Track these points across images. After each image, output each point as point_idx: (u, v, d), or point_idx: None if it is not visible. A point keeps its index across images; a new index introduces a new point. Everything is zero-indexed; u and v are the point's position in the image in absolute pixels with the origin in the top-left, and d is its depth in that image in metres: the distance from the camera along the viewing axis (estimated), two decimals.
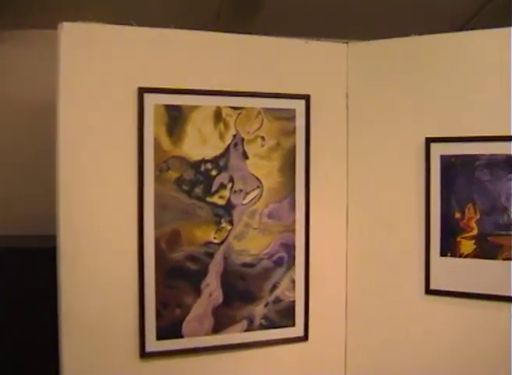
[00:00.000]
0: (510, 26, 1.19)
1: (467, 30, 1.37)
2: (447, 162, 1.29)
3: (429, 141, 1.30)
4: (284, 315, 1.35)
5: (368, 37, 1.30)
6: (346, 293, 1.40)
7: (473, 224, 1.27)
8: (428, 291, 1.32)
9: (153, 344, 1.24)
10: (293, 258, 1.34)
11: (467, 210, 1.28)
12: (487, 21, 1.51)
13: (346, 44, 1.36)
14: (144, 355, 1.23)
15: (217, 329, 1.30)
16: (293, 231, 1.34)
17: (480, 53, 1.29)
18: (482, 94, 1.28)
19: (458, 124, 1.30)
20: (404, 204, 1.35)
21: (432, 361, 1.33)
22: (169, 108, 1.24)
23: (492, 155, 1.26)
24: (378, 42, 1.36)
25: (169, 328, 1.26)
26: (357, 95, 1.38)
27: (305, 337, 1.36)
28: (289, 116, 1.34)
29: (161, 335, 1.25)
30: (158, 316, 1.24)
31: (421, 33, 1.29)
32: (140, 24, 1.19)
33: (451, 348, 1.31)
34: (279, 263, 1.33)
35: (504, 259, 1.25)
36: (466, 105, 1.30)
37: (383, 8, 1.51)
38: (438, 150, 1.30)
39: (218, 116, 1.28)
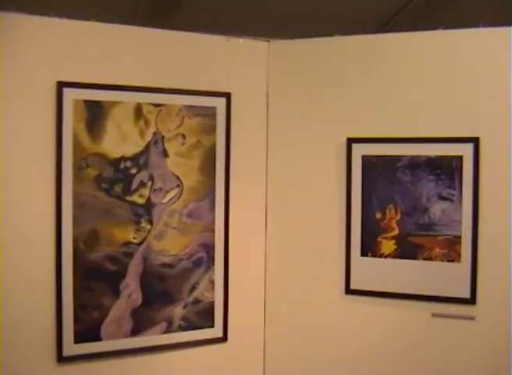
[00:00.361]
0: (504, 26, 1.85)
1: (386, 31, 2.23)
2: (369, 163, 2.05)
3: (351, 141, 2.05)
4: (203, 316, 2.04)
5: (291, 35, 2.14)
6: (265, 294, 2.12)
7: (394, 224, 2.08)
8: (349, 290, 2.04)
9: (71, 348, 1.85)
10: (212, 258, 2.04)
11: (388, 210, 2.08)
12: (406, 23, 2.39)
13: (267, 43, 2.07)
14: (62, 359, 1.79)
15: (136, 331, 1.95)
16: (213, 231, 2.03)
17: (402, 55, 1.98)
18: (404, 96, 1.98)
19: (380, 125, 2.00)
20: (325, 204, 2.06)
21: (351, 360, 2.04)
22: (89, 103, 1.84)
23: (413, 156, 2.03)
24: (300, 41, 2.07)
25: (88, 331, 1.87)
26: (278, 94, 2.09)
27: (224, 338, 2.06)
28: (210, 113, 2.02)
29: (79, 338, 1.85)
30: (76, 318, 1.83)
31: (343, 34, 2.04)
32: (62, 17, 1.73)
33: (370, 346, 2.02)
34: (198, 264, 2.02)
35: (424, 259, 2.01)
36: (388, 107, 1.99)
37: (307, 8, 2.37)
38: (359, 150, 2.05)
39: (138, 112, 1.92)
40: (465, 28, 1.89)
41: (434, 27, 1.93)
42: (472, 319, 1.93)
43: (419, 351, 1.99)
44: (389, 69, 2.01)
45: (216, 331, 2.06)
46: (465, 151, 1.92)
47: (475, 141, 1.89)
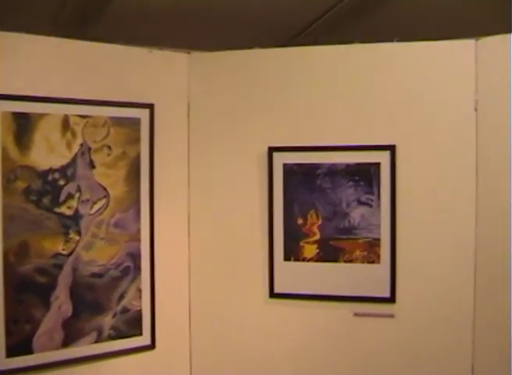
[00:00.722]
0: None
1: (302, 43, 3.70)
2: (290, 171, 3.30)
3: (272, 150, 3.31)
4: (132, 324, 3.16)
5: (214, 47, 3.56)
6: (190, 300, 3.33)
7: (315, 229, 3.44)
8: (273, 294, 3.24)
9: (2, 363, 2.73)
10: (138, 267, 3.16)
11: (309, 216, 3.42)
12: (321, 34, 3.88)
13: (187, 54, 3.24)
14: None
15: (67, 342, 2.98)
16: (139, 240, 3.15)
17: (320, 67, 3.18)
18: (324, 107, 3.16)
19: (301, 134, 3.17)
20: (247, 211, 3.22)
21: (277, 362, 3.22)
22: (17, 115, 2.82)
23: (332, 164, 3.40)
24: (220, 53, 3.23)
25: (19, 345, 2.81)
26: (200, 105, 3.25)
27: (152, 346, 3.22)
28: (135, 124, 3.16)
29: (11, 353, 2.79)
30: (8, 332, 2.77)
31: (263, 46, 3.26)
32: None
33: (296, 348, 3.21)
34: (125, 273, 3.13)
35: (346, 262, 3.29)
36: (308, 117, 3.17)
37: (227, 19, 3.84)
38: (280, 159, 3.31)
39: (65, 124, 2.97)
40: (380, 42, 3.10)
41: (351, 39, 3.11)
42: (392, 316, 3.14)
43: (342, 349, 3.20)
44: (309, 80, 3.21)
45: (144, 339, 3.21)
46: (382, 158, 3.13)
47: (392, 149, 3.10)
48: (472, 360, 3.12)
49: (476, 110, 3.08)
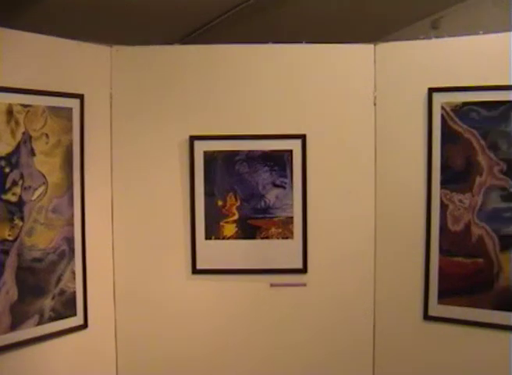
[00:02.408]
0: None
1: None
2: (210, 157, 3.51)
3: (193, 138, 3.43)
4: (67, 306, 3.20)
5: (144, 41, 3.76)
6: (114, 280, 3.46)
7: (234, 210, 3.61)
8: (195, 270, 3.46)
9: None
10: (73, 250, 3.21)
11: (228, 198, 3.58)
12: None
13: (110, 48, 3.35)
14: None
15: (14, 326, 2.97)
16: (72, 225, 3.22)
17: (238, 62, 3.45)
18: (242, 99, 3.41)
19: (221, 124, 3.36)
20: (171, 194, 3.38)
21: (201, 334, 3.47)
22: None
23: (250, 151, 3.54)
24: (142, 48, 3.35)
25: None
26: (123, 96, 3.36)
27: (85, 325, 3.31)
28: (68, 114, 3.20)
29: None
30: None
31: (184, 42, 3.71)
32: None
33: (218, 319, 3.48)
34: (62, 256, 3.16)
35: (262, 238, 3.46)
36: (227, 108, 3.43)
37: (146, 16, 4.04)
38: (201, 147, 3.53)
39: (9, 113, 2.95)
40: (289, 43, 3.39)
41: (253, 35, 3.42)
42: (304, 285, 3.45)
43: (261, 317, 3.45)
44: (227, 75, 3.42)
45: (78, 319, 3.29)
46: (294, 146, 3.42)
47: (303, 138, 3.39)
48: (374, 318, 3.58)
49: (375, 104, 3.47)
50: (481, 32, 3.20)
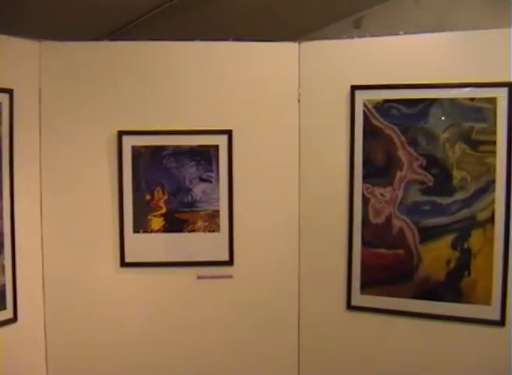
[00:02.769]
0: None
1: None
2: (138, 152, 3.63)
3: (121, 133, 3.48)
4: None
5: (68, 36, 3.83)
6: (43, 273, 3.46)
7: (162, 204, 3.72)
8: (123, 263, 3.53)
9: None
10: (2, 244, 3.20)
11: (156, 192, 3.67)
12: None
13: (39, 43, 3.34)
14: None
15: None
16: (2, 218, 3.21)
17: (166, 59, 3.51)
18: (169, 95, 3.46)
19: (148, 119, 3.40)
20: (99, 189, 3.39)
21: (129, 326, 3.52)
22: None
23: (177, 146, 3.66)
24: (70, 44, 3.38)
25: None
26: (52, 91, 3.36)
27: (14, 319, 3.31)
28: None
29: None
30: None
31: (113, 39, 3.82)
32: None
33: (146, 310, 3.56)
34: None
35: (189, 231, 3.52)
36: (155, 103, 3.46)
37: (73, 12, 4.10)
38: (129, 142, 3.64)
39: None
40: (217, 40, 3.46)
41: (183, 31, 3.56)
42: (231, 277, 3.51)
43: (189, 309, 3.51)
44: (156, 70, 3.47)
45: (8, 313, 3.31)
46: (221, 141, 3.47)
47: (229, 133, 3.45)
48: (299, 309, 3.69)
49: (299, 101, 3.55)
50: (401, 32, 3.32)
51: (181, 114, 3.52)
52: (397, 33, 3.31)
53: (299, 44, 3.45)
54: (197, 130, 3.51)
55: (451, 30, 3.24)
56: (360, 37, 3.37)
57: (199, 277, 3.57)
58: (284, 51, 3.52)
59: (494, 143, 3.19)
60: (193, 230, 3.58)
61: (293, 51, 3.51)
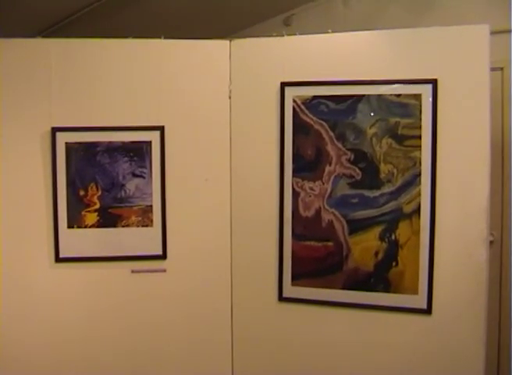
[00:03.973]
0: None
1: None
2: (72, 148, 3.57)
3: (55, 130, 3.30)
4: None
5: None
6: None
7: (96, 200, 3.69)
8: (58, 259, 3.39)
9: None
10: None
11: (90, 188, 3.65)
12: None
13: None
14: None
15: None
16: None
17: (100, 55, 3.40)
18: (102, 92, 3.37)
19: (82, 116, 3.30)
20: (34, 185, 3.28)
21: (66, 320, 3.41)
22: None
23: (110, 142, 3.67)
24: (2, 40, 3.26)
25: None
26: None
27: None
28: None
29: None
30: None
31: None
32: None
33: (82, 305, 3.43)
34: None
35: (123, 226, 3.48)
36: (88, 100, 3.36)
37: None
38: (63, 138, 3.65)
39: None
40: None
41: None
42: (164, 271, 3.44)
43: (124, 303, 3.44)
44: (89, 67, 3.38)
45: None
46: (153, 137, 3.37)
47: (161, 129, 3.36)
48: (231, 301, 3.64)
49: (230, 98, 3.49)
50: (330, 31, 3.32)
51: (114, 111, 3.44)
52: (326, 32, 3.30)
53: (230, 41, 3.40)
54: (129, 126, 3.44)
55: (379, 28, 3.24)
56: (290, 34, 3.36)
57: (133, 271, 3.50)
58: (215, 49, 3.47)
59: (419, 137, 3.20)
60: (126, 225, 3.49)
61: (224, 48, 3.45)
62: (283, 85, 3.36)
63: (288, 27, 3.98)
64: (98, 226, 3.48)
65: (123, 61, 3.45)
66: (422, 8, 3.75)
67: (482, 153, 3.13)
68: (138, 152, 3.46)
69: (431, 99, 3.17)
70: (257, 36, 3.38)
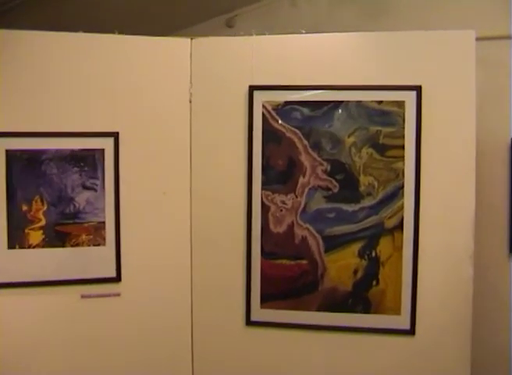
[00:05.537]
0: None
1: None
2: (13, 157, 3.10)
3: None
4: None
5: None
6: None
7: (41, 215, 3.17)
8: None
9: None
10: None
11: (34, 202, 3.12)
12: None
13: None
14: None
15: None
16: None
17: (41, 52, 2.87)
18: (49, 93, 2.84)
19: (25, 120, 2.79)
20: None
21: (9, 352, 2.88)
22: None
23: (57, 149, 3.18)
24: None
25: None
26: None
27: None
28: None
29: None
30: None
31: None
32: None
33: (27, 335, 2.92)
34: None
35: (72, 246, 3.09)
36: (32, 102, 2.84)
37: None
38: (3, 145, 2.87)
39: None
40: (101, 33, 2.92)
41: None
42: (118, 295, 2.97)
43: (74, 331, 2.96)
44: (32, 64, 2.87)
45: None
46: (106, 144, 2.90)
47: (115, 136, 2.89)
48: (192, 326, 3.22)
49: (190, 101, 3.09)
50: (303, 31, 3.00)
51: (62, 114, 2.96)
52: (300, 32, 2.99)
53: (191, 39, 3.01)
54: (80, 132, 2.97)
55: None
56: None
57: (83, 297, 3.02)
58: (174, 48, 3.06)
59: (402, 147, 2.92)
60: (76, 245, 2.99)
61: (185, 47, 3.06)
62: (252, 89, 2.99)
63: (231, 29, 3.66)
64: (44, 246, 2.97)
65: (72, 57, 2.98)
66: (377, 12, 3.53)
67: (468, 164, 2.89)
68: (89, 162, 2.99)
69: (415, 107, 2.90)
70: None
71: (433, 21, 3.31)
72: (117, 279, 3.02)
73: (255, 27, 3.08)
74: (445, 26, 2.87)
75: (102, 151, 3.00)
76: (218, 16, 3.64)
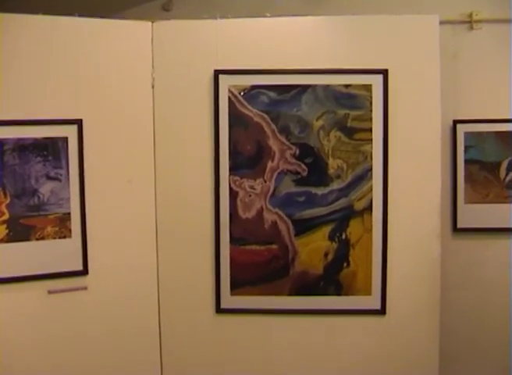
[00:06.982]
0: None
1: None
2: None
3: None
4: None
5: None
6: None
7: (4, 209, 2.86)
8: None
9: None
10: None
11: None
12: None
13: None
14: None
15: None
16: None
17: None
18: (6, 76, 2.65)
19: None
20: None
21: None
22: None
23: (19, 138, 2.90)
24: None
25: None
26: None
27: None
28: None
29: None
30: None
31: None
32: None
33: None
34: None
35: (37, 239, 2.83)
36: None
37: None
38: None
39: None
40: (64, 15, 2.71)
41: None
42: (85, 288, 2.80)
43: (42, 328, 2.79)
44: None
45: None
46: (70, 132, 2.72)
47: (79, 123, 2.71)
48: (159, 317, 3.11)
49: (153, 87, 2.94)
50: (268, 14, 2.90)
51: (24, 101, 2.74)
52: (264, 16, 2.91)
53: (152, 23, 2.85)
54: (42, 119, 2.77)
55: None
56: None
57: (50, 292, 2.82)
58: (135, 31, 2.89)
59: (370, 130, 2.88)
60: (41, 238, 2.79)
61: (146, 31, 2.89)
62: (217, 73, 2.88)
63: (167, 13, 3.48)
64: (8, 241, 2.75)
65: (31, 40, 2.77)
66: None
67: (433, 146, 2.90)
68: (53, 150, 2.79)
69: (382, 90, 2.88)
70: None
71: (378, 5, 3.37)
72: (84, 272, 2.85)
73: (192, 11, 3.02)
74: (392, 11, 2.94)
75: (66, 139, 2.80)
76: (153, 0, 3.35)
